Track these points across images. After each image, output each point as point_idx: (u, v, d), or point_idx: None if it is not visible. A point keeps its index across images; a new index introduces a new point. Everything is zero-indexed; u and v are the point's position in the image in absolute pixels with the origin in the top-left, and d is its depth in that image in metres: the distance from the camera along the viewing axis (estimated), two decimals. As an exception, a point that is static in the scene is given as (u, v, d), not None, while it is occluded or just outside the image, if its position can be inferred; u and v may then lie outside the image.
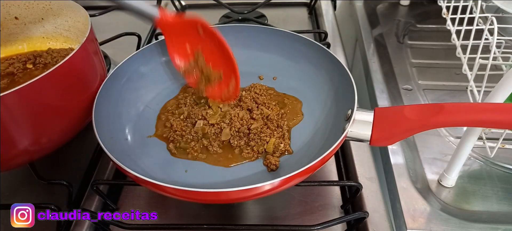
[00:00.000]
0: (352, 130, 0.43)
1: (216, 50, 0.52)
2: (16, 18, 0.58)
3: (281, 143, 0.49)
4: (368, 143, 0.43)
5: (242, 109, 0.53)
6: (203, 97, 0.55)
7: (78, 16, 0.55)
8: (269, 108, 0.53)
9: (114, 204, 0.49)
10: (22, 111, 0.39)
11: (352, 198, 0.48)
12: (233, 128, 0.50)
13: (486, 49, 0.48)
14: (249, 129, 0.50)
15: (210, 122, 0.51)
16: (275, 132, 0.50)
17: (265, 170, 0.47)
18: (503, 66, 0.51)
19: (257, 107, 0.54)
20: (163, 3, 0.90)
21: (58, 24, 0.59)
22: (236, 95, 0.53)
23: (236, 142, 0.49)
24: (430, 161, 0.54)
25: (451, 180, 0.50)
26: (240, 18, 0.83)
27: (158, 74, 0.58)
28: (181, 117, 0.53)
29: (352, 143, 0.55)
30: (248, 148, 0.49)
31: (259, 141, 0.49)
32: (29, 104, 0.40)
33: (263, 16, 0.85)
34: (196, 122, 0.51)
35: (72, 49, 0.58)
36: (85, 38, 0.45)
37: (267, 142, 0.49)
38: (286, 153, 0.49)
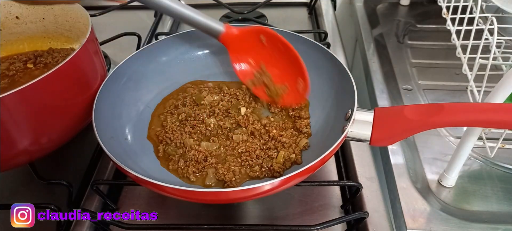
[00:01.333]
0: (352, 130, 0.43)
1: (280, 56, 0.53)
2: (17, 17, 0.58)
3: (293, 153, 0.47)
4: (368, 143, 0.43)
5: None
6: (203, 99, 0.55)
7: (79, 16, 0.55)
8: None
9: (114, 204, 0.49)
10: (22, 112, 0.40)
11: (352, 198, 0.48)
12: (219, 171, 0.46)
13: (486, 49, 0.48)
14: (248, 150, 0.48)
15: (199, 150, 0.48)
16: (285, 143, 0.49)
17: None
18: (503, 66, 0.51)
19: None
20: (163, 3, 0.90)
21: (59, 24, 0.59)
22: (305, 95, 0.52)
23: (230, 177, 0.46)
24: (430, 161, 0.54)
25: (451, 180, 0.50)
26: (240, 18, 0.83)
27: (158, 74, 0.58)
28: (179, 117, 0.53)
29: (352, 143, 0.55)
30: (256, 166, 0.47)
31: (266, 157, 0.48)
32: (29, 105, 0.40)
33: (263, 16, 0.85)
34: (191, 129, 0.51)
35: (73, 49, 0.58)
36: (86, 39, 0.45)
37: (276, 157, 0.47)
38: (296, 163, 0.47)
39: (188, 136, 0.50)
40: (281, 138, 0.49)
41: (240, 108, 0.54)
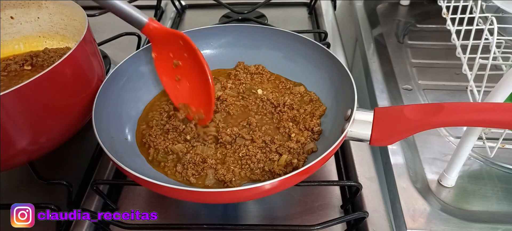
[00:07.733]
0: (352, 129, 0.43)
1: (193, 71, 0.51)
2: (11, 17, 0.58)
3: (295, 158, 0.46)
4: (368, 142, 0.43)
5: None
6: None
7: (74, 14, 0.55)
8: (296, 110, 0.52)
9: (114, 204, 0.49)
10: (20, 111, 0.39)
11: (352, 198, 0.48)
12: (218, 171, 0.46)
13: (486, 49, 0.48)
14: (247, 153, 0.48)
15: (194, 152, 0.48)
16: (289, 142, 0.48)
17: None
18: (503, 66, 0.51)
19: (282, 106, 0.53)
20: (163, 3, 0.90)
21: (54, 22, 0.59)
22: (208, 119, 0.50)
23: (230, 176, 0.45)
24: (430, 161, 0.54)
25: (451, 180, 0.50)
26: (240, 18, 0.83)
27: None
28: (161, 123, 0.52)
29: (352, 143, 0.55)
30: (258, 170, 0.46)
31: (267, 161, 0.47)
32: (27, 104, 0.40)
33: (263, 16, 0.85)
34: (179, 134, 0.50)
35: (68, 48, 0.58)
36: (82, 36, 0.45)
37: (278, 160, 0.46)
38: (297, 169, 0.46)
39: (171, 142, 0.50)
40: (289, 143, 0.48)
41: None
